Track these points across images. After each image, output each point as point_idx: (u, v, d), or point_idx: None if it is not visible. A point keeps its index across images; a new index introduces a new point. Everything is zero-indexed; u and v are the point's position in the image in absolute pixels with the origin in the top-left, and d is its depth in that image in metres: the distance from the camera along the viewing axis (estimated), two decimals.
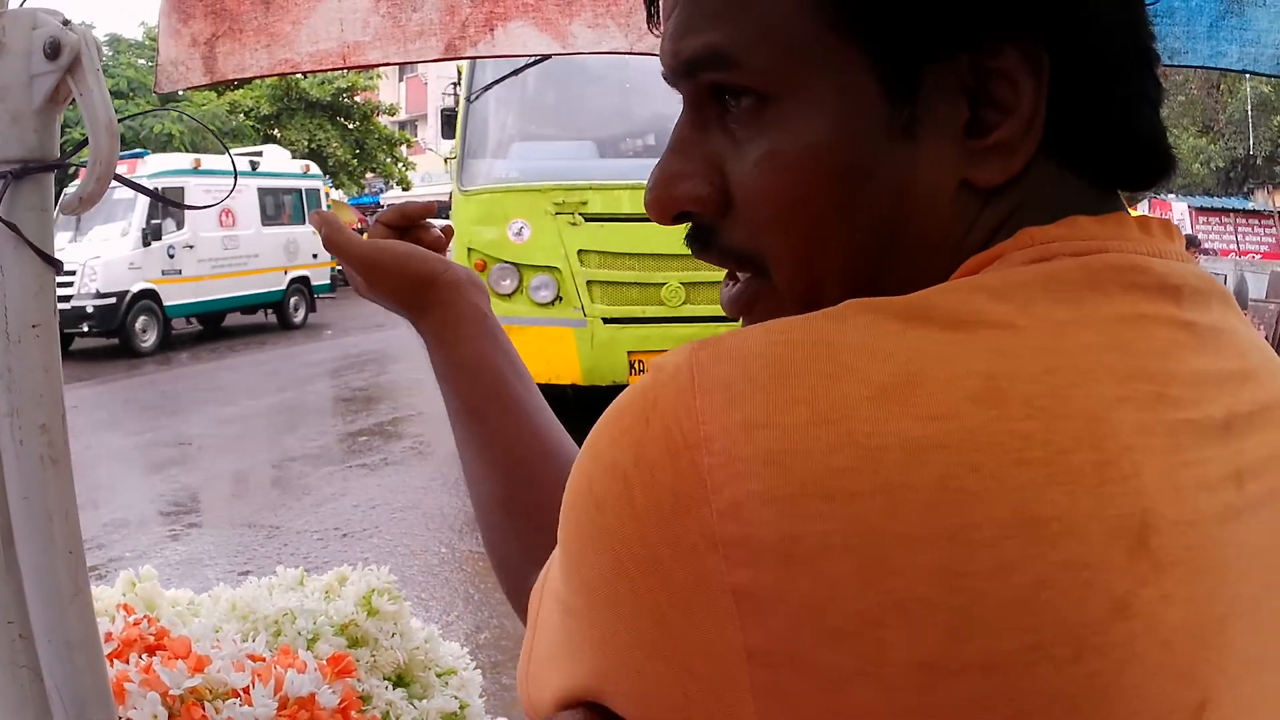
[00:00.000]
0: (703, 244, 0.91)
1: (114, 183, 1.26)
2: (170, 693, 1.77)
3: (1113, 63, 0.81)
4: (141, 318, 22.55)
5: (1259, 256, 26.47)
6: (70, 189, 1.60)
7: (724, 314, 0.94)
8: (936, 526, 0.64)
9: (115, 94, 32.03)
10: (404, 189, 49.47)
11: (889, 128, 0.80)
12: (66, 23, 1.25)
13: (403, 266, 1.40)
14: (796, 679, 0.66)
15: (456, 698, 2.30)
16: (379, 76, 50.03)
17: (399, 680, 2.31)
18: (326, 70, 2.31)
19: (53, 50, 1.24)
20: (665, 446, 0.70)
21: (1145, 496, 0.69)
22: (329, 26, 2.25)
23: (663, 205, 0.90)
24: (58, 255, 1.28)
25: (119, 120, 1.24)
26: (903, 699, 0.65)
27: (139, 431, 14.68)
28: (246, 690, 1.81)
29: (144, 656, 1.91)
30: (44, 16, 1.26)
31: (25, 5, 1.26)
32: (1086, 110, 0.81)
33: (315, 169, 31.37)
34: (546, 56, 2.53)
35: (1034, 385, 0.69)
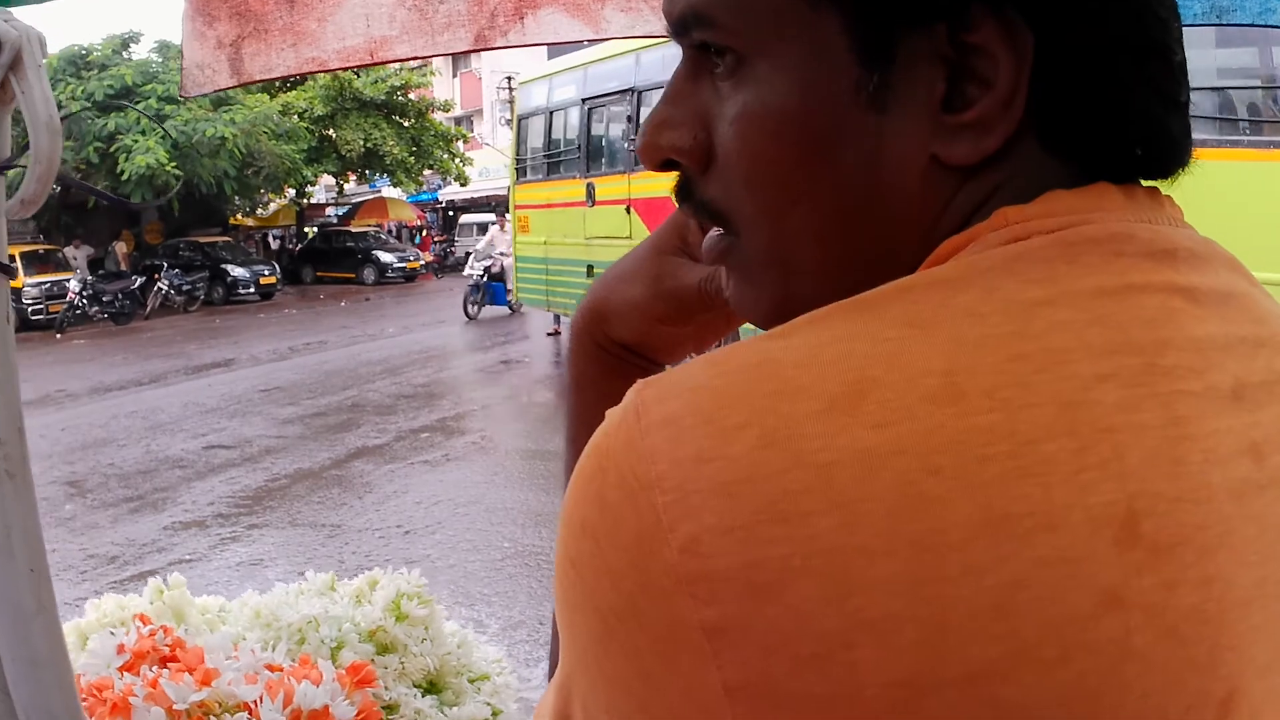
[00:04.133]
0: (684, 195, 0.90)
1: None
2: (175, 707, 1.71)
3: (1106, 49, 0.77)
4: None
5: None
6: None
7: None
8: (897, 536, 0.62)
9: (167, 100, 32.45)
10: (462, 184, 49.92)
11: (858, 95, 0.78)
12: (7, 19, 1.16)
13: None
14: (776, 712, 0.64)
15: (489, 704, 2.24)
16: (433, 73, 50.47)
17: (430, 687, 2.25)
18: (354, 66, 2.29)
19: None
20: (623, 492, 0.69)
21: (1131, 479, 0.65)
22: (355, 22, 2.24)
23: (648, 152, 0.90)
24: None
25: (62, 118, 1.15)
26: None
27: (200, 433, 14.76)
28: (257, 703, 1.74)
29: (155, 668, 1.85)
30: None
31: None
32: (1075, 95, 0.78)
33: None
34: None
35: (996, 376, 0.66)
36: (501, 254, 27.32)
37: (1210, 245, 0.80)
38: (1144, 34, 0.79)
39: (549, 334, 23.11)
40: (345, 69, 2.35)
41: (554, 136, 20.06)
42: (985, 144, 0.77)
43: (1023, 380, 0.66)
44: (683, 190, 0.91)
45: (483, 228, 50.10)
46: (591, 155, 18.67)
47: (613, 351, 1.12)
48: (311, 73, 2.38)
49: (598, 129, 18.63)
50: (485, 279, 28.15)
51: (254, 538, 9.91)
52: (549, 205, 19.78)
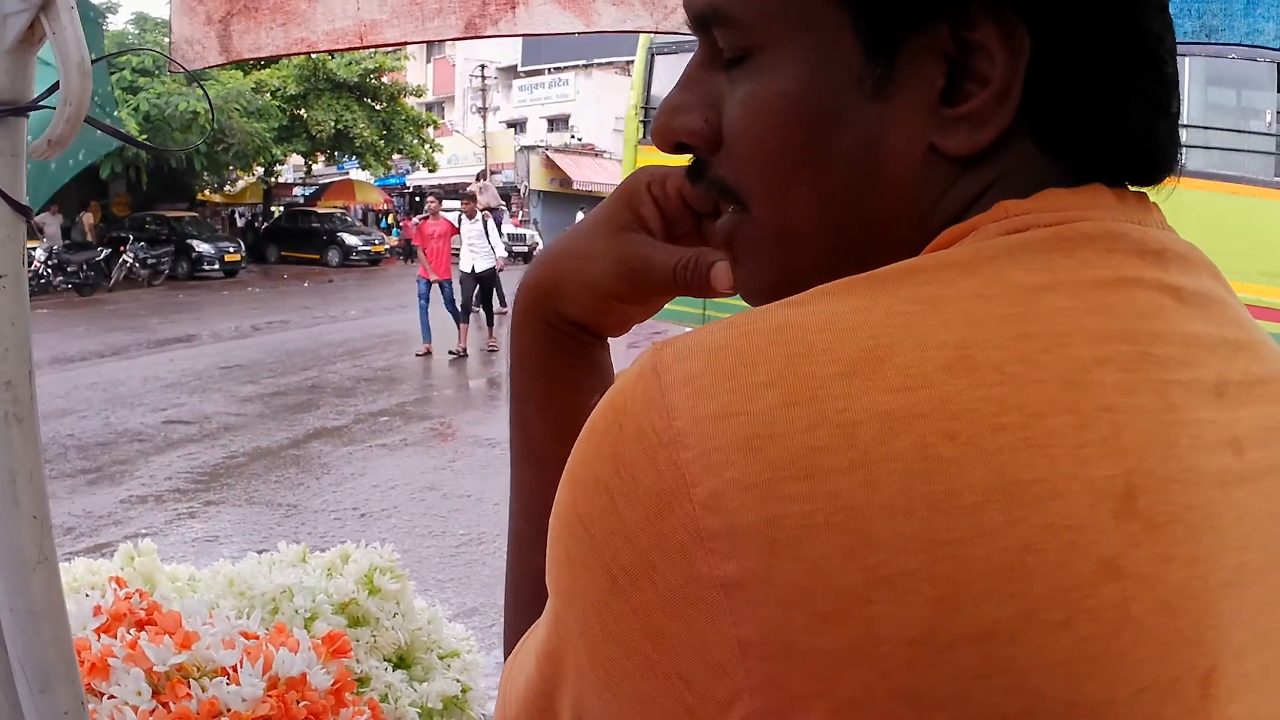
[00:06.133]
0: (696, 175, 0.94)
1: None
2: (155, 669, 1.71)
3: (1099, 56, 0.81)
4: None
5: None
6: None
7: None
8: (917, 496, 0.64)
9: (141, 72, 32.22)
10: (430, 170, 49.77)
11: (861, 84, 0.82)
12: None
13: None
14: (790, 668, 0.65)
15: (458, 680, 2.25)
16: (406, 57, 50.30)
17: (400, 662, 2.26)
18: (343, 50, 2.29)
19: None
20: (641, 448, 0.70)
21: (1129, 457, 0.69)
22: (345, 5, 2.23)
23: (662, 135, 0.93)
24: None
25: (93, 62, 1.17)
26: (898, 679, 0.64)
27: (159, 408, 14.69)
28: (235, 669, 1.75)
29: (132, 631, 1.85)
30: None
31: None
32: (1068, 98, 0.82)
33: None
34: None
35: (1004, 352, 0.70)
36: None
37: (1194, 250, 0.84)
38: (1136, 43, 0.83)
39: (418, 354, 19.45)
40: (334, 51, 2.35)
41: None
42: (980, 136, 0.81)
43: (1028, 357, 0.70)
44: (695, 171, 0.94)
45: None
46: None
47: (562, 329, 1.10)
48: (300, 53, 2.37)
49: None
50: None
51: (210, 514, 9.87)
52: None
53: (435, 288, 19.27)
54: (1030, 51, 0.79)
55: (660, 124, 0.93)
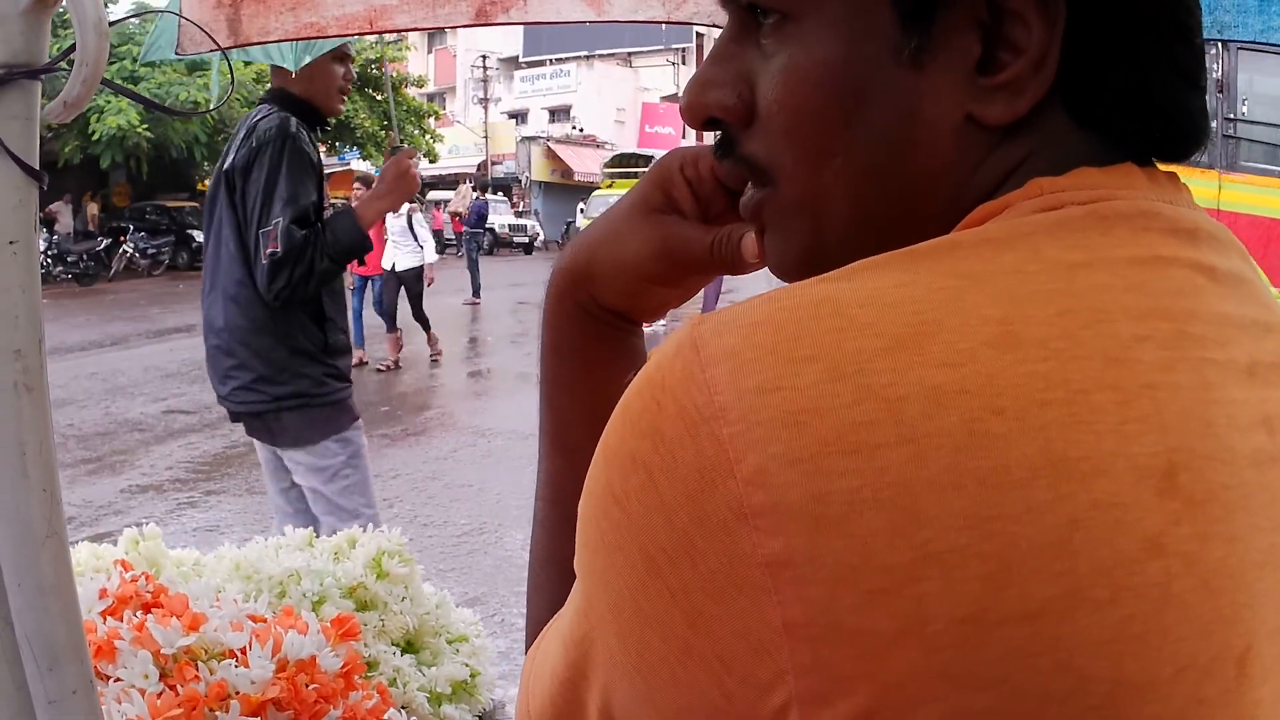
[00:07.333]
0: (726, 151, 0.93)
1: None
2: (162, 651, 1.70)
3: (1135, 25, 0.81)
4: None
5: None
6: None
7: None
8: (965, 471, 0.64)
9: (146, 63, 32.25)
10: (431, 161, 49.81)
11: (897, 54, 0.81)
12: None
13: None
14: (836, 649, 0.65)
15: (467, 665, 2.24)
16: (408, 48, 50.44)
17: (408, 646, 2.25)
18: (353, 35, 2.27)
19: None
20: (682, 425, 0.69)
21: (1170, 434, 0.69)
22: None
23: (694, 110, 0.92)
24: None
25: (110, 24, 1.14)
26: (944, 659, 0.64)
27: (160, 398, 14.67)
28: (243, 651, 1.73)
29: (138, 613, 1.84)
30: None
31: None
32: (1103, 68, 0.81)
33: None
34: None
35: (1048, 328, 0.69)
36: None
37: (1224, 230, 0.83)
38: (1170, 14, 0.82)
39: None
40: (344, 37, 2.32)
41: None
42: (1017, 105, 0.80)
43: (1071, 334, 0.69)
44: (725, 147, 0.93)
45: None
46: None
47: (596, 314, 1.11)
48: (309, 38, 2.35)
49: None
50: None
51: (211, 504, 9.86)
52: None
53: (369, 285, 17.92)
54: (1065, 19, 0.79)
55: (691, 99, 0.92)
